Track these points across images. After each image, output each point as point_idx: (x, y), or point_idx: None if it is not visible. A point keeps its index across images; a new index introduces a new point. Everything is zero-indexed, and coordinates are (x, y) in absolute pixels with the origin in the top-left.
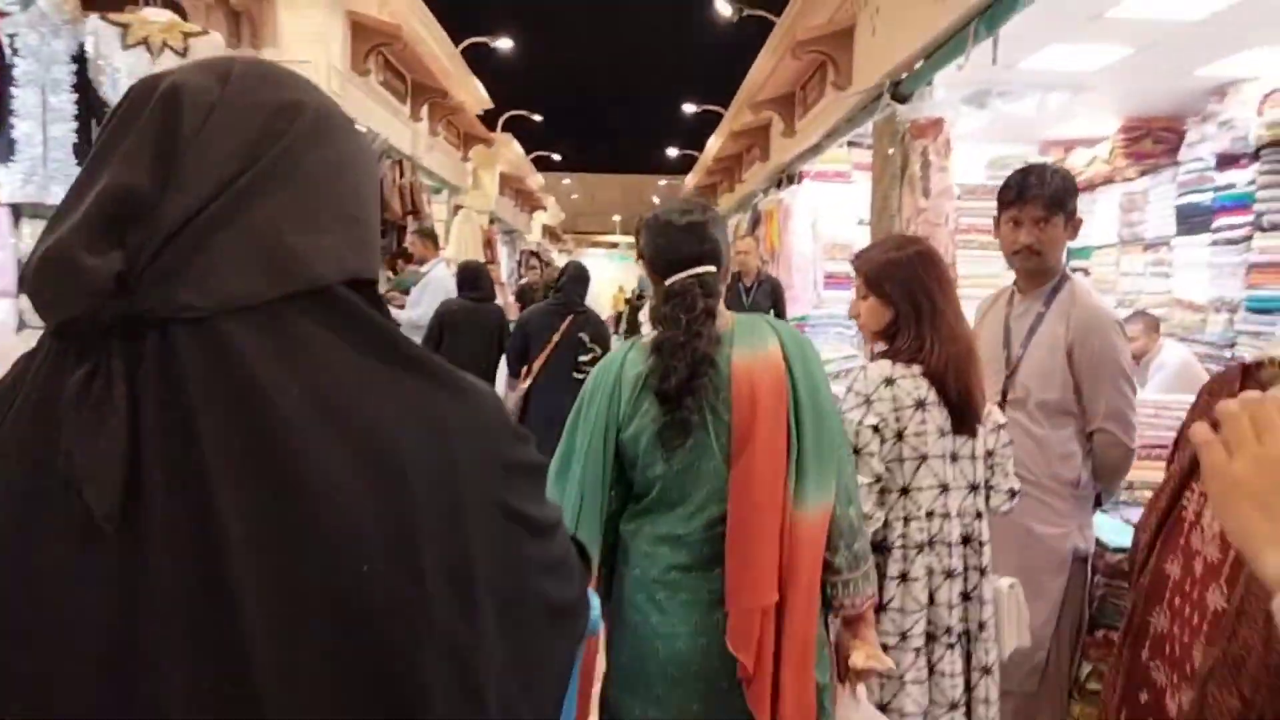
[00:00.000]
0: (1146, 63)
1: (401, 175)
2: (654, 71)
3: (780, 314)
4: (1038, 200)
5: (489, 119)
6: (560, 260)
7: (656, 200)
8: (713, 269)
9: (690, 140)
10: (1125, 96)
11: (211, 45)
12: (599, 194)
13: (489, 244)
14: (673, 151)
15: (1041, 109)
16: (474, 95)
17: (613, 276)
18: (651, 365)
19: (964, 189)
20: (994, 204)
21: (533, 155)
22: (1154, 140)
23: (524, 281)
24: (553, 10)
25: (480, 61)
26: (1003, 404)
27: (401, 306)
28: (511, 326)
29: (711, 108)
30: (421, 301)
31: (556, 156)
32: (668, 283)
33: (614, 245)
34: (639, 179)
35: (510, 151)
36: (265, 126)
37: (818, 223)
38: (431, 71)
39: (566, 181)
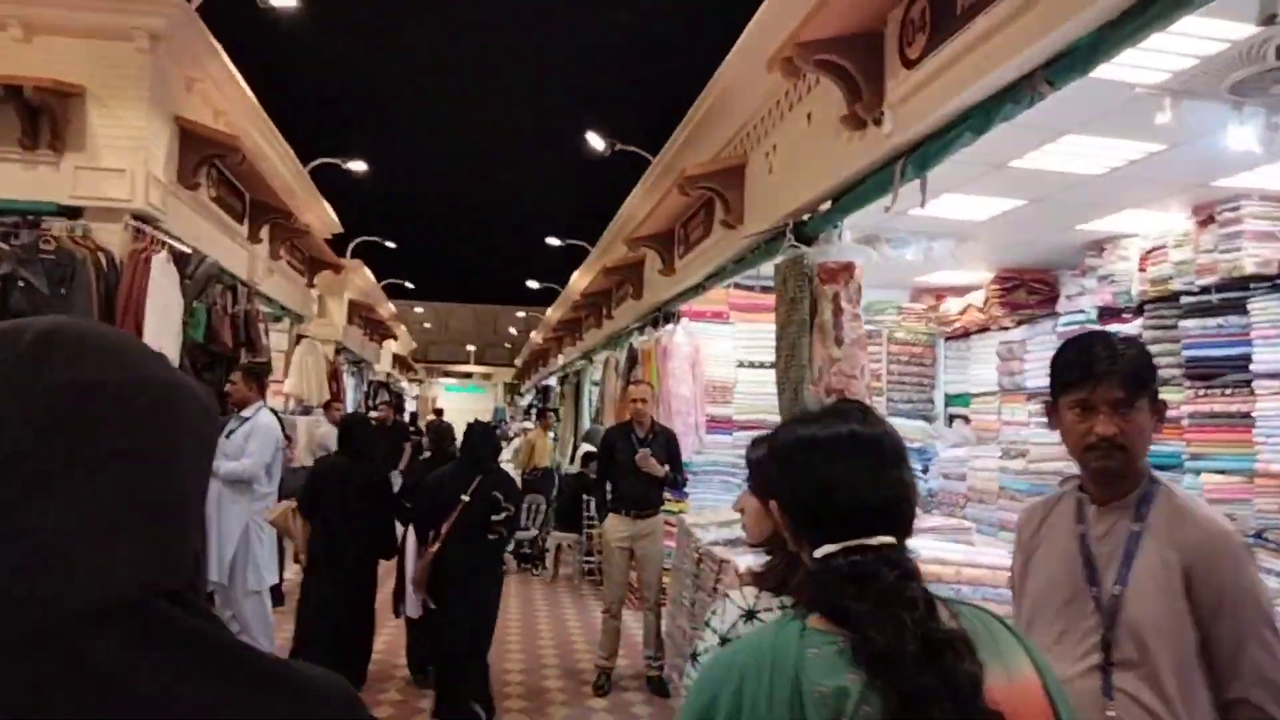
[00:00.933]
0: (1034, 215)
1: (234, 303)
2: (515, 202)
3: (677, 467)
4: (1113, 378)
5: (338, 243)
6: (412, 391)
7: (513, 331)
8: (891, 539)
9: (551, 274)
10: (1003, 247)
11: None
12: (452, 323)
13: (334, 376)
14: (533, 284)
15: (927, 256)
16: (322, 218)
17: (469, 408)
18: (883, 692)
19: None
20: (871, 350)
21: (384, 282)
22: (1028, 291)
23: (375, 417)
24: (409, 133)
25: (330, 183)
26: (1106, 666)
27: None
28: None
29: (576, 242)
30: (249, 451)
31: (409, 284)
32: (825, 552)
33: (468, 375)
34: (494, 309)
35: (360, 278)
36: (50, 414)
37: (698, 363)
38: (274, 189)
39: (419, 310)
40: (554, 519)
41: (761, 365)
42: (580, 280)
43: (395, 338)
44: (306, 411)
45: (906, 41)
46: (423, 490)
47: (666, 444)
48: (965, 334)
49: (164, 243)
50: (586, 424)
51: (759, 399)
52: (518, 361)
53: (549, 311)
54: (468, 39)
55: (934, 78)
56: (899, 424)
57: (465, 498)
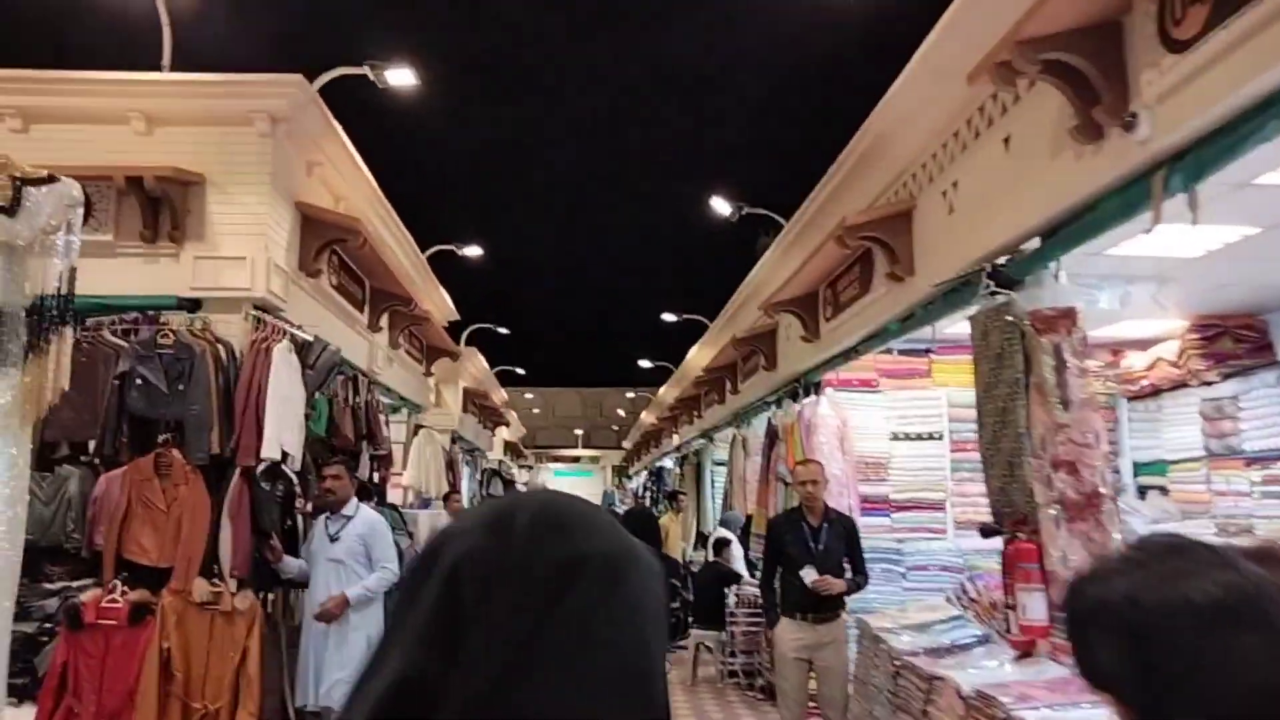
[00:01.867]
0: (1260, 247)
1: (355, 394)
2: (626, 279)
3: (858, 564)
4: None
5: (452, 331)
6: (522, 476)
7: (621, 413)
8: None
9: (663, 352)
10: (1208, 290)
11: (58, 196)
12: (559, 406)
13: (451, 466)
14: (645, 363)
15: (1123, 303)
16: (440, 305)
17: (578, 492)
18: None
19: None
20: None
21: (496, 369)
22: (1234, 339)
23: None
24: (521, 213)
25: (443, 269)
26: None
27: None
28: None
29: (693, 316)
30: (377, 557)
31: (520, 370)
32: None
33: (575, 459)
34: (600, 391)
35: (474, 366)
36: (547, 593)
37: (846, 438)
38: (394, 275)
39: (529, 395)
40: (691, 615)
41: (919, 437)
42: (700, 355)
43: (508, 424)
44: (425, 504)
45: (1172, 19)
46: None
47: (845, 534)
48: (1154, 392)
49: (285, 331)
50: (709, 506)
51: (919, 475)
52: (626, 443)
53: (662, 390)
54: (582, 108)
55: (1217, 59)
56: None
57: None
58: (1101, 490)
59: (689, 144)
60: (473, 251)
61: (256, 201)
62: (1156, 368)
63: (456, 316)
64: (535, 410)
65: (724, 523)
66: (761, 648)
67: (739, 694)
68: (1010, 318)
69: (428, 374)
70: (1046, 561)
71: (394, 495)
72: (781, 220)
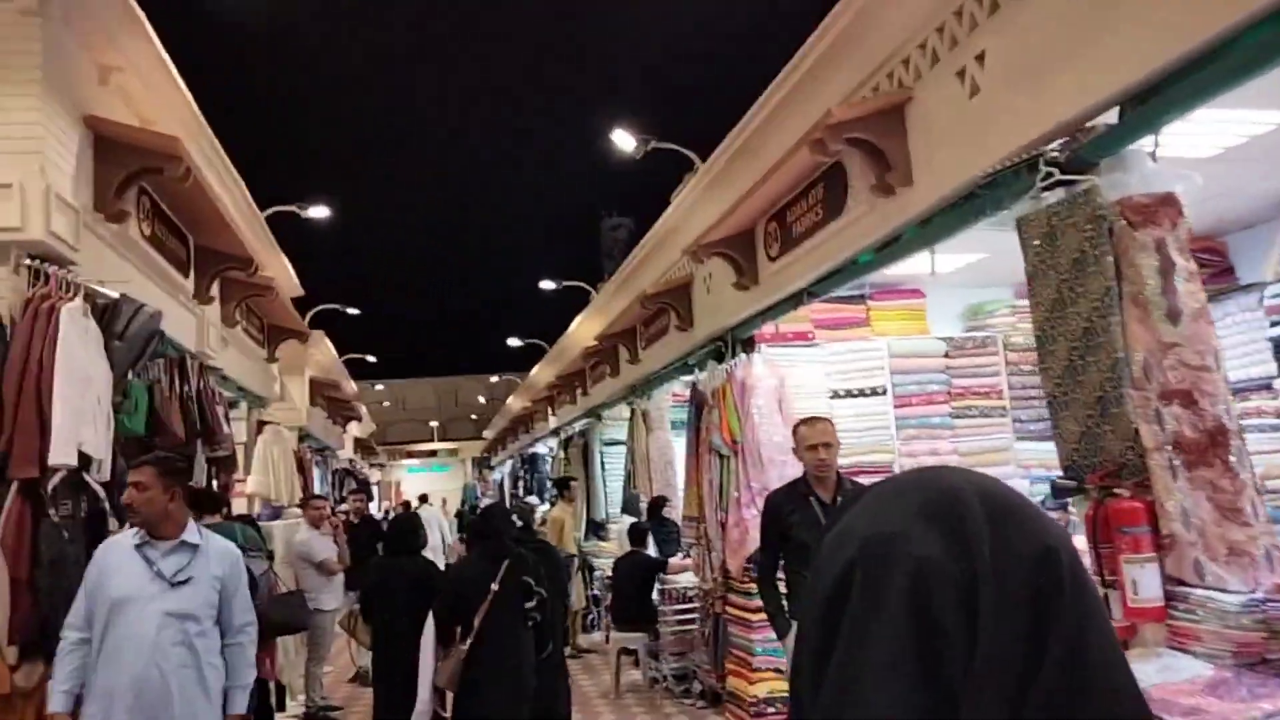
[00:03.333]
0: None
1: (184, 380)
2: (486, 250)
3: None
4: None
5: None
6: (374, 477)
7: (482, 400)
8: None
9: (534, 328)
10: (1207, 199)
11: None
12: (410, 399)
13: (302, 467)
14: (514, 341)
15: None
16: (282, 275)
17: (437, 489)
18: None
19: (949, 343)
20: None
21: (345, 357)
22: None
23: (346, 510)
24: (366, 177)
25: (277, 237)
26: None
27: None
28: None
29: (576, 283)
30: (243, 612)
31: (371, 359)
32: None
33: (432, 454)
34: (454, 380)
35: (321, 352)
36: (1033, 604)
37: (785, 399)
38: (228, 227)
39: (379, 388)
40: (609, 614)
41: (861, 394)
42: (590, 324)
43: (359, 419)
44: (275, 514)
45: None
46: (445, 583)
47: None
48: None
49: (78, 287)
50: (600, 490)
51: (863, 436)
52: (487, 433)
53: (536, 370)
54: (452, 25)
55: None
56: (1032, 449)
57: (495, 586)
58: (1227, 424)
59: (583, 69)
60: (318, 213)
61: (24, 108)
62: None
63: (301, 291)
64: (385, 404)
65: (626, 507)
66: (696, 646)
67: (675, 703)
68: (1096, 210)
69: (271, 359)
70: (1161, 522)
71: (238, 505)
72: (695, 158)
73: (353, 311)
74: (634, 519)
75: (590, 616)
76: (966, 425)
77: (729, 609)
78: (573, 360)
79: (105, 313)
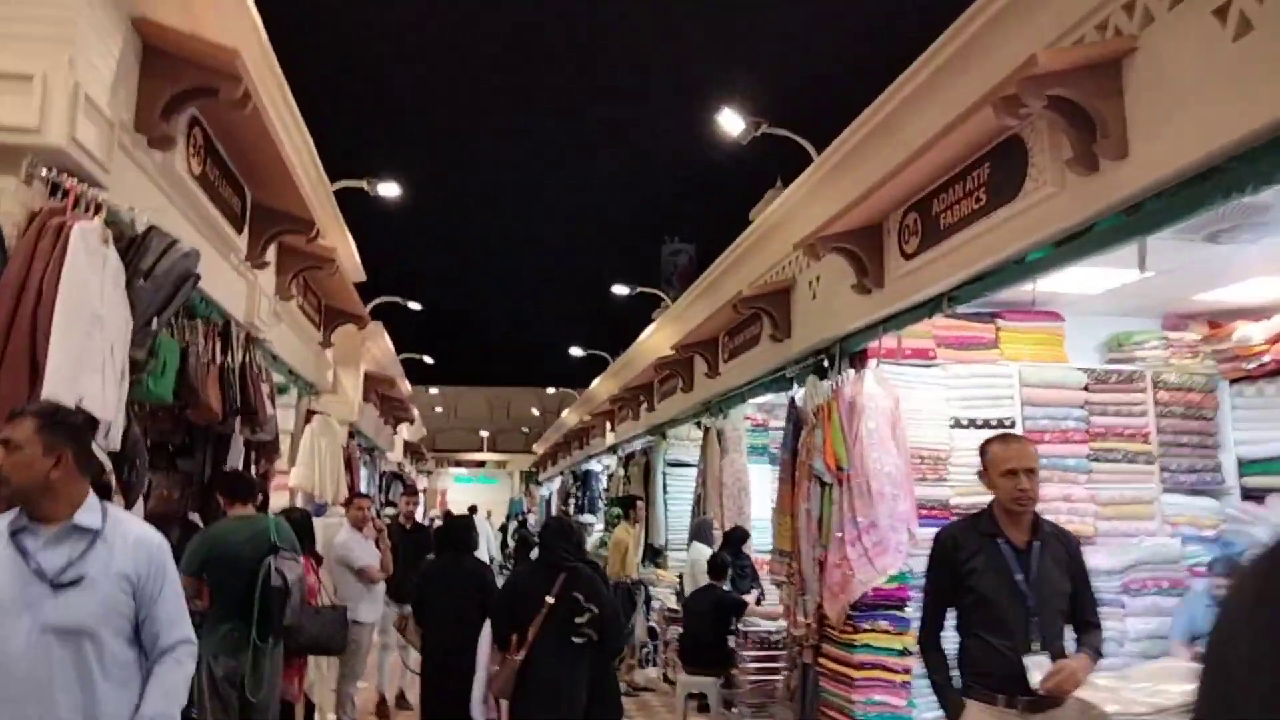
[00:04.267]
0: None
1: (227, 350)
2: (566, 248)
3: (1088, 609)
4: None
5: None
6: (423, 482)
7: (536, 412)
8: None
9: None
10: None
11: None
12: (461, 406)
13: (349, 464)
14: (577, 350)
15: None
16: (346, 254)
17: (482, 500)
18: None
19: (1090, 375)
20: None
21: (401, 356)
22: None
23: (394, 513)
24: (438, 164)
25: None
26: None
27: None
28: None
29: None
30: (174, 618)
31: (428, 359)
32: None
33: (480, 464)
34: (507, 391)
35: (378, 347)
36: None
37: (898, 425)
38: (289, 178)
39: (433, 392)
40: (680, 654)
41: (986, 424)
42: (665, 332)
43: (411, 421)
44: (319, 510)
45: None
46: (502, 590)
47: (1069, 559)
48: (1276, 371)
49: (98, 205)
50: (661, 515)
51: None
52: (537, 447)
53: (596, 383)
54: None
55: None
56: (1180, 503)
57: (550, 599)
58: None
59: (680, 54)
60: (389, 191)
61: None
62: None
63: (363, 275)
64: (438, 409)
65: (699, 533)
66: (779, 699)
67: None
68: None
69: (326, 344)
70: None
71: (279, 498)
72: (809, 146)
73: (414, 306)
74: (703, 545)
75: (645, 650)
76: (1106, 471)
77: (823, 661)
78: (640, 373)
79: (131, 245)
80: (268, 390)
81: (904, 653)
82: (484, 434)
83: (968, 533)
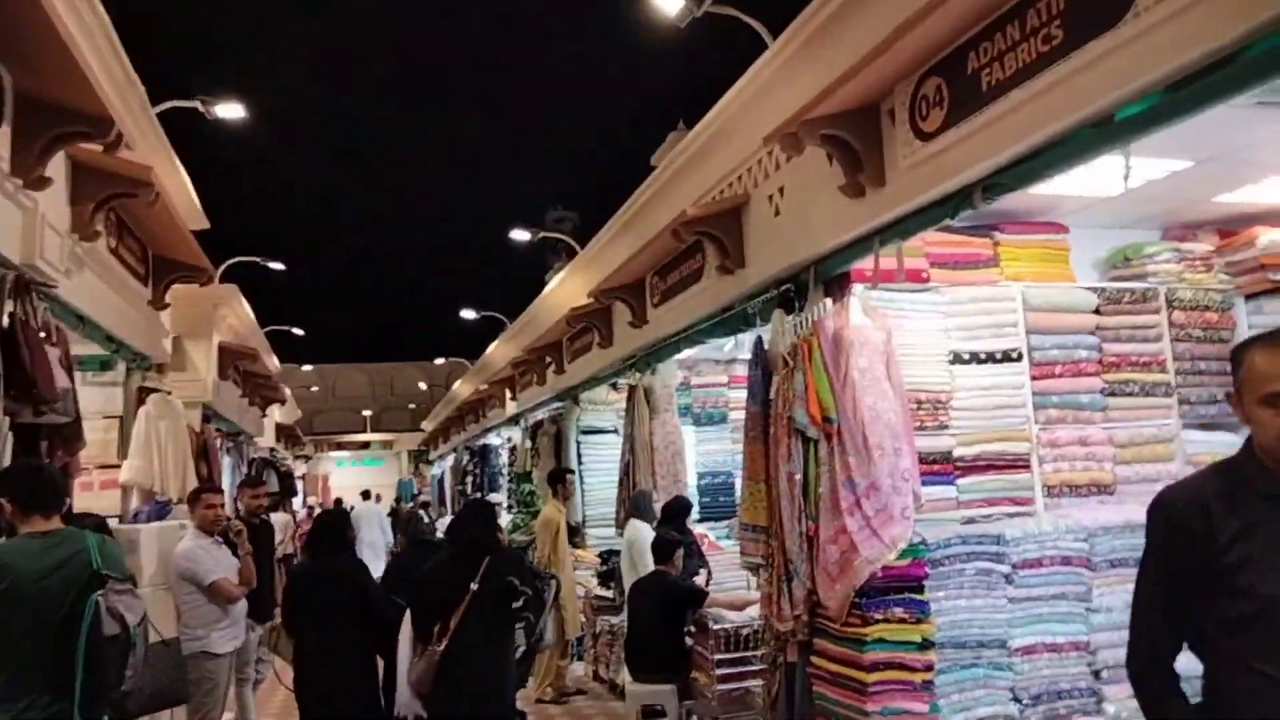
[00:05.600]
0: None
1: None
2: (454, 200)
3: None
4: None
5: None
6: (300, 468)
7: (423, 386)
8: None
9: (492, 300)
10: None
11: None
12: (341, 385)
13: (205, 453)
14: (469, 313)
15: None
16: (177, 186)
17: (369, 485)
18: None
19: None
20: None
21: (267, 329)
22: None
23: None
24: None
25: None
26: None
27: None
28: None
29: (557, 235)
30: None
31: (298, 331)
32: None
33: (364, 446)
34: (390, 367)
35: (236, 314)
36: None
37: (892, 362)
38: (69, 57)
39: (308, 369)
40: (626, 657)
41: (990, 358)
42: (575, 283)
43: (283, 401)
44: (162, 512)
45: None
46: (418, 581)
47: None
48: None
49: None
50: (578, 490)
51: (993, 417)
52: (426, 424)
53: (494, 346)
54: None
55: None
56: (1203, 440)
57: (474, 586)
58: None
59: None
60: (230, 113)
61: None
62: None
63: (204, 222)
64: (314, 389)
65: (636, 508)
66: (760, 707)
67: None
68: None
69: (159, 305)
70: None
71: (103, 499)
72: (761, 30)
73: (276, 266)
74: (642, 522)
75: (572, 646)
76: (1123, 407)
77: (817, 661)
78: (546, 331)
79: None
80: (59, 356)
81: (924, 645)
82: (366, 413)
83: (1225, 493)
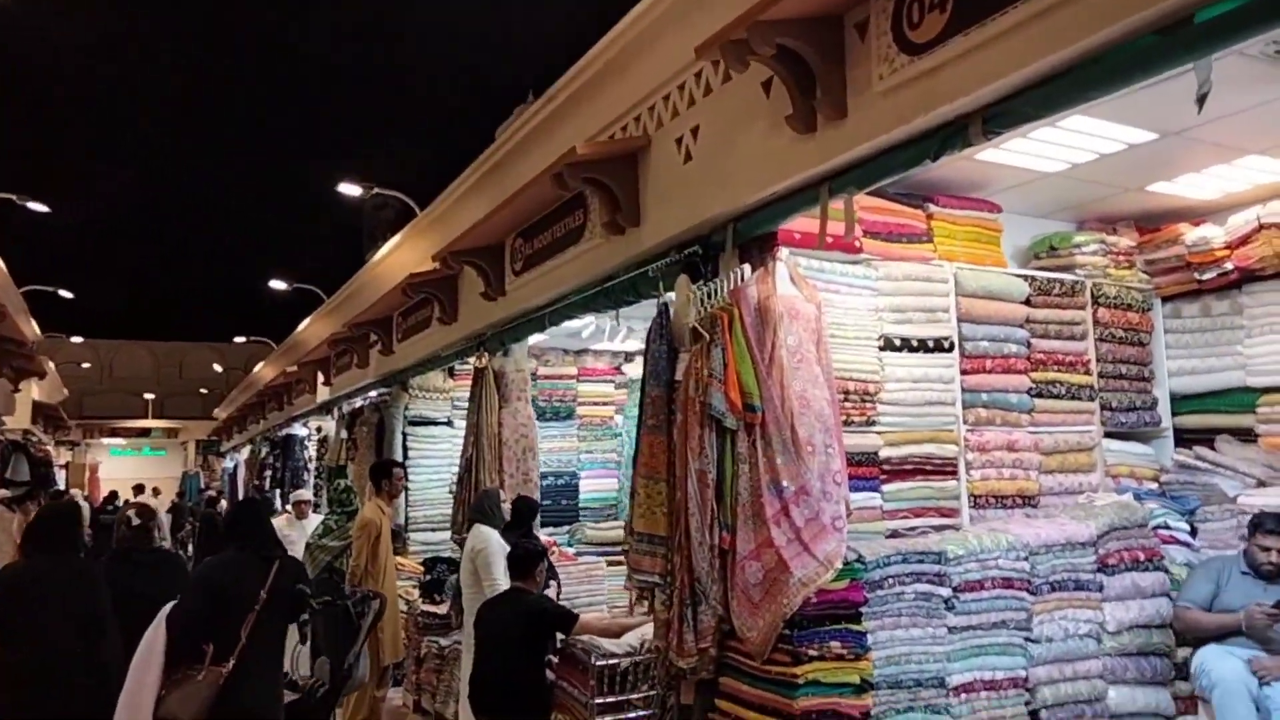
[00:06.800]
0: None
1: None
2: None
3: None
4: None
5: None
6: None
7: (218, 368)
8: None
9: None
10: None
11: None
12: (120, 364)
13: None
14: (278, 284)
15: None
16: None
17: (150, 477)
18: None
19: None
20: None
21: (25, 289)
22: None
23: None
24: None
25: None
26: None
27: None
28: None
29: (389, 192)
30: None
31: (66, 294)
32: None
33: (145, 433)
34: (179, 346)
35: None
36: None
37: (822, 342)
38: None
39: (77, 341)
40: (475, 696)
41: (923, 346)
42: (412, 250)
43: (41, 375)
44: None
45: None
46: (195, 586)
47: None
48: (1235, 283)
49: None
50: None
51: (925, 414)
52: (220, 411)
53: (306, 323)
54: None
55: None
56: (1119, 450)
57: (264, 594)
58: None
59: None
60: None
61: None
62: (1254, 243)
63: None
64: (85, 365)
65: (479, 512)
66: None
67: None
68: None
69: None
70: None
71: None
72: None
73: (38, 208)
74: (487, 527)
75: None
76: (1049, 410)
77: (726, 706)
78: (375, 304)
79: None
80: None
81: (861, 688)
82: (149, 397)
83: None
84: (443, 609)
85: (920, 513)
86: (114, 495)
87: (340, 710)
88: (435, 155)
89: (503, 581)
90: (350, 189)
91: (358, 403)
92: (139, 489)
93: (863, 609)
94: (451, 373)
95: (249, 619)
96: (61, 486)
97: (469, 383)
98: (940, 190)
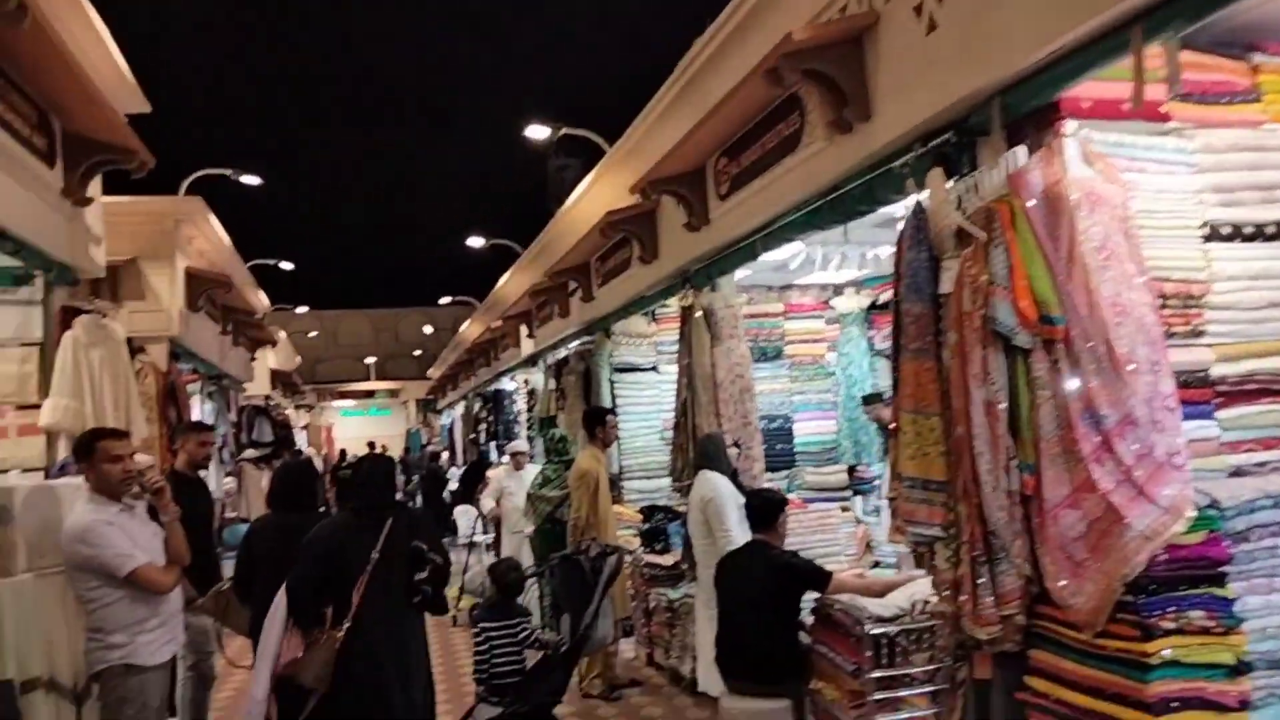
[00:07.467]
0: None
1: None
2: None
3: None
4: None
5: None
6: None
7: (428, 330)
8: None
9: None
10: None
11: None
12: (342, 333)
13: (173, 394)
14: (476, 241)
15: None
16: (94, 43)
17: (376, 434)
18: None
19: None
20: None
21: (251, 263)
22: None
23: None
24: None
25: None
26: None
27: None
28: None
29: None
30: None
31: (287, 265)
32: None
33: (369, 394)
34: (393, 313)
35: (206, 234)
36: None
37: (1131, 234)
38: None
39: (302, 311)
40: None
41: (1260, 233)
42: (607, 188)
43: (274, 343)
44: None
45: None
46: (307, 549)
47: None
48: None
49: None
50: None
51: (1265, 319)
52: (433, 371)
53: (505, 279)
54: None
55: None
56: None
57: (375, 554)
58: None
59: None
60: None
61: None
62: None
63: (143, 104)
64: (313, 334)
65: (704, 457)
66: None
67: None
68: None
69: (78, 198)
70: None
71: (17, 449)
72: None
73: (251, 180)
74: (715, 474)
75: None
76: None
77: (1042, 686)
78: (572, 250)
79: None
80: None
81: (1236, 670)
82: (370, 361)
83: None
84: (668, 560)
85: (1271, 444)
86: (344, 454)
87: (577, 669)
88: (625, 90)
89: (736, 532)
90: (539, 130)
91: (562, 353)
92: (370, 446)
93: (1226, 568)
94: (654, 316)
95: (360, 581)
96: (302, 446)
97: (673, 326)
98: (1270, 35)
